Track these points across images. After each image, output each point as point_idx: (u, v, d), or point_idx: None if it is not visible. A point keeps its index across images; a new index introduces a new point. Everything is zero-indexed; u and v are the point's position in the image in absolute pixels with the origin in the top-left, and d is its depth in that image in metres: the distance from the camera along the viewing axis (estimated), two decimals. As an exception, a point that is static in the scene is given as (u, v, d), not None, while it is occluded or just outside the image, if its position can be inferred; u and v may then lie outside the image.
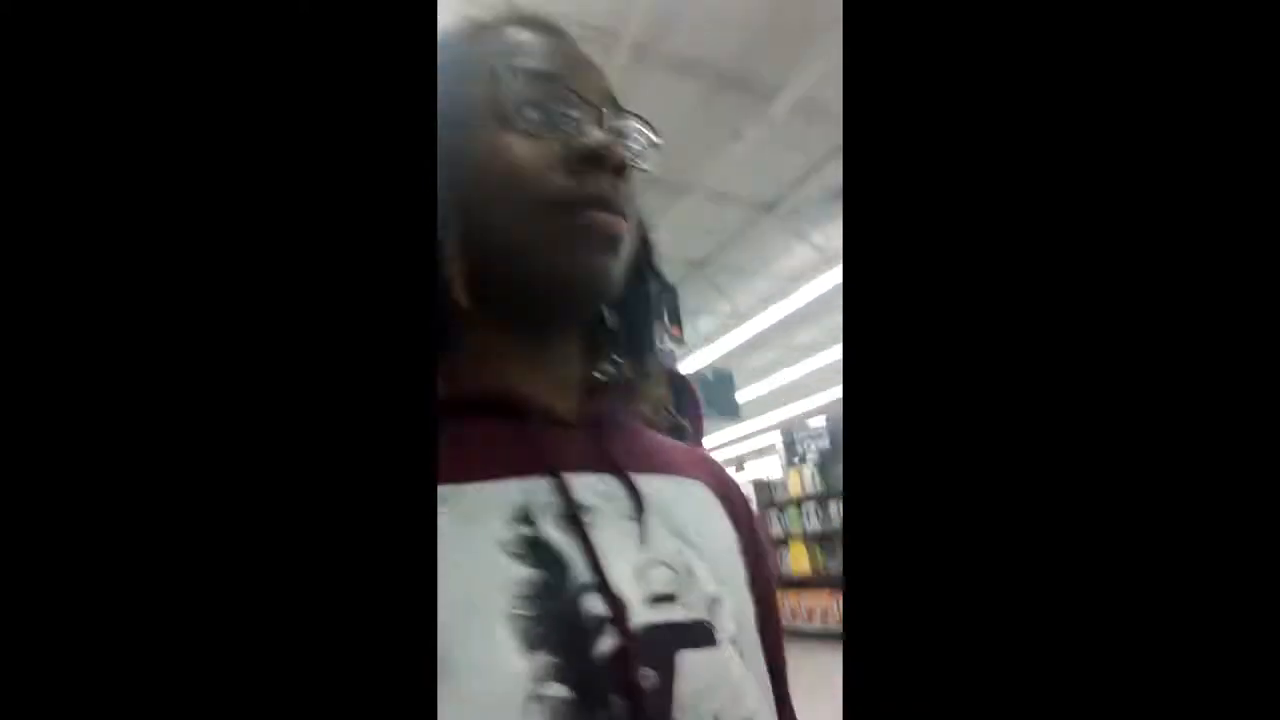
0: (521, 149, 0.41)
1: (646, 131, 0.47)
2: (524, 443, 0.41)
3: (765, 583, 0.48)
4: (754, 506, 0.63)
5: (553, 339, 0.46)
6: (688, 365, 6.66)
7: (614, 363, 0.50)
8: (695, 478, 0.50)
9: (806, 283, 5.16)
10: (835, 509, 6.12)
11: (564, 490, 0.40)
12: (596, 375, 0.49)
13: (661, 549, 0.41)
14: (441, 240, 0.40)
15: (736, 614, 0.42)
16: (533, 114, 0.42)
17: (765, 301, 5.75)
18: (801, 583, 6.39)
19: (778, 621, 0.49)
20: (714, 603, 0.41)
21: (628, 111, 0.46)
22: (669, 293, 0.51)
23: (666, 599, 0.39)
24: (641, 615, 0.38)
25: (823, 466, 6.41)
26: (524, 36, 0.45)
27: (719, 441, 10.38)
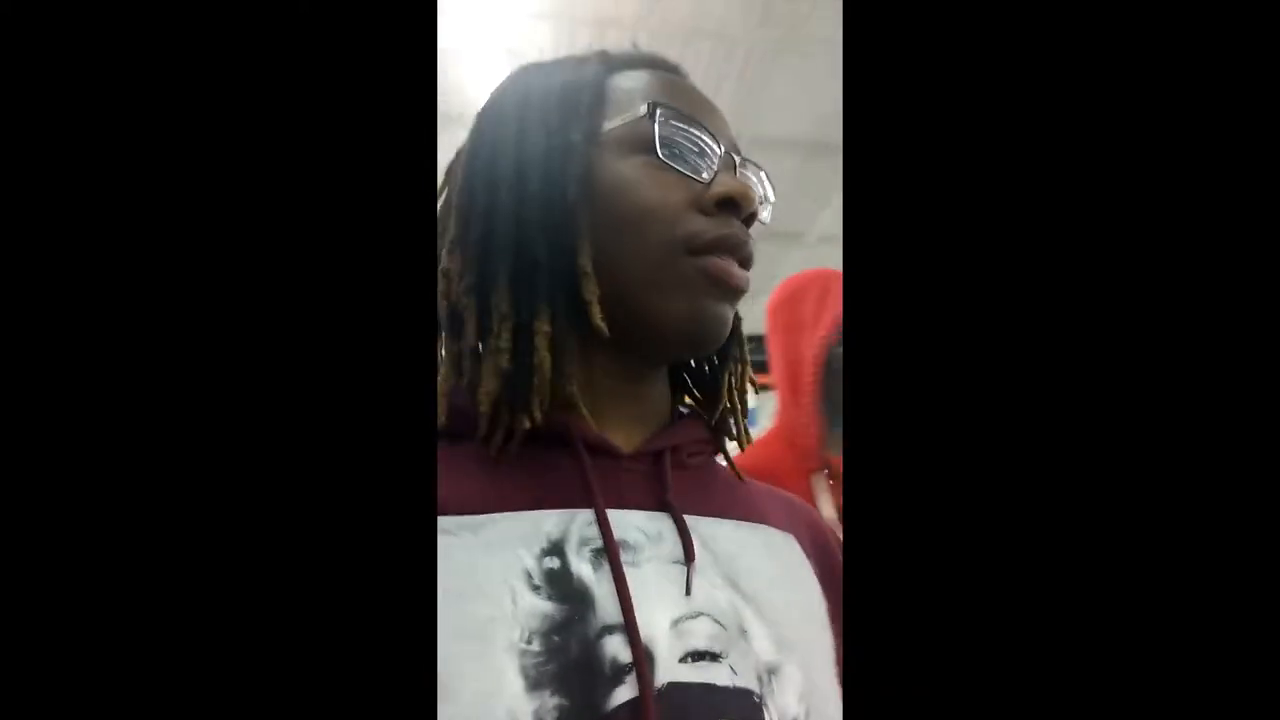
0: (657, 185, 0.40)
1: (767, 184, 0.46)
2: (571, 473, 0.39)
3: None
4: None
5: (645, 374, 0.43)
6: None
7: (697, 399, 0.48)
8: (783, 529, 0.45)
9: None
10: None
11: (603, 524, 0.37)
12: (680, 410, 0.47)
13: (710, 601, 0.37)
14: (581, 265, 0.39)
15: (806, 693, 0.37)
16: (673, 152, 0.41)
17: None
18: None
19: None
20: (770, 672, 0.36)
21: (751, 161, 0.45)
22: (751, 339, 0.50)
23: (707, 657, 0.35)
24: (671, 671, 0.34)
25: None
26: (657, 76, 0.44)
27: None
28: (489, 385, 0.39)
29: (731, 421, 0.47)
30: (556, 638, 0.33)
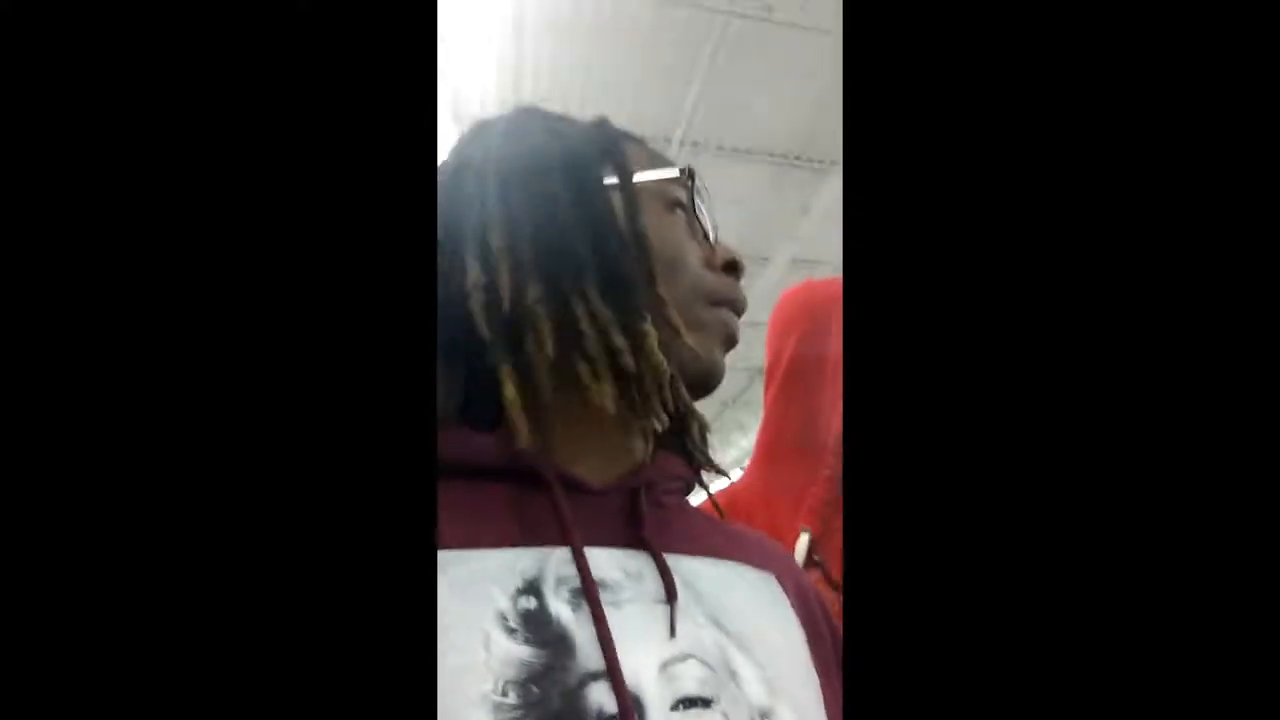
0: (687, 237, 0.44)
1: None
2: (544, 509, 0.37)
3: None
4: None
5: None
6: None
7: (672, 431, 0.47)
8: (762, 568, 0.43)
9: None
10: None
11: (581, 561, 0.35)
12: (656, 427, 0.45)
13: (698, 641, 0.35)
14: (638, 307, 0.39)
15: None
16: (695, 214, 0.45)
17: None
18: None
19: None
20: (764, 717, 0.35)
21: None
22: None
23: (698, 703, 0.33)
24: None
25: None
26: (650, 149, 0.47)
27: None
28: (606, 388, 0.38)
29: (702, 454, 0.48)
30: (535, 688, 0.31)
